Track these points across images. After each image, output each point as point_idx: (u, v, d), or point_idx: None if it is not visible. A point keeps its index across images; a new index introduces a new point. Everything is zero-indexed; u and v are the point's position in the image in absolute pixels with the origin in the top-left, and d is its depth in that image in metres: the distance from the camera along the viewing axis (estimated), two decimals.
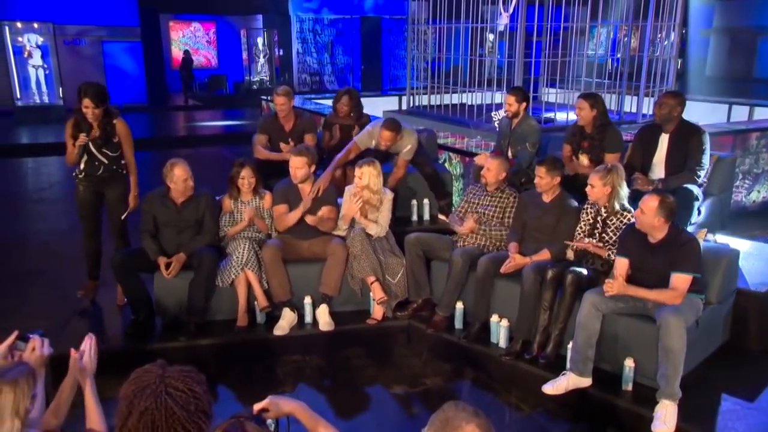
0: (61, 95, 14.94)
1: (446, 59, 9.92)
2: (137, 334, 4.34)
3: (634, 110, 9.13)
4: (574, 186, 4.51)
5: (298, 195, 4.73)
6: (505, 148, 5.43)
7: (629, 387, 3.67)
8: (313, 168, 4.73)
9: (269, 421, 1.96)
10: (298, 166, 4.64)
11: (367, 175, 4.69)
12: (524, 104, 5.33)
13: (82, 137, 4.47)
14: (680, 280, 3.53)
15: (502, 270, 4.22)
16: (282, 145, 5.51)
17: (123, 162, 4.72)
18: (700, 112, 9.46)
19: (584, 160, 4.93)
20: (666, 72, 9.07)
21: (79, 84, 4.56)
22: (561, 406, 3.78)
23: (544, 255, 4.18)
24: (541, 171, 4.24)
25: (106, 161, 4.60)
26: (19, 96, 14.97)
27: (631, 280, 3.71)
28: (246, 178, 4.64)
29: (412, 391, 4.06)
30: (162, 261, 4.34)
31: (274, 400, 1.99)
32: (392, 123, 5.12)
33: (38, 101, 14.97)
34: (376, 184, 4.73)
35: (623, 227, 3.93)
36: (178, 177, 4.39)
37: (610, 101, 9.20)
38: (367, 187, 4.70)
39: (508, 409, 3.89)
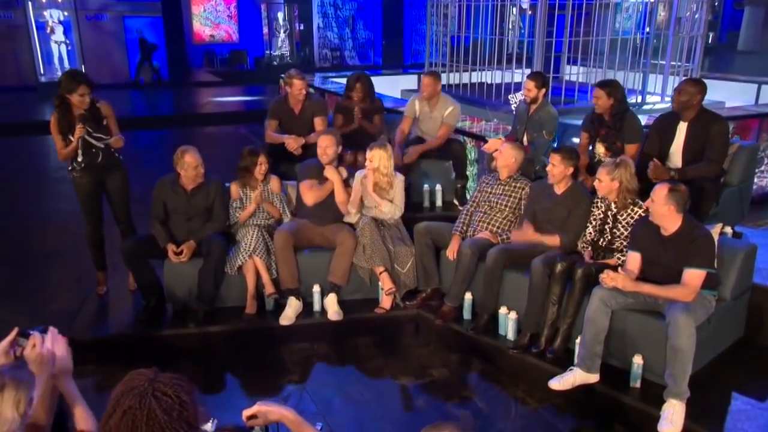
0: (83, 71, 15.03)
1: (466, 37, 9.71)
2: (148, 320, 4.39)
3: (658, 90, 8.90)
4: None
5: (321, 175, 4.73)
6: (521, 134, 5.33)
7: (637, 384, 3.62)
8: (340, 149, 4.75)
9: (256, 429, 1.96)
10: (328, 144, 4.65)
11: (378, 157, 4.64)
12: (543, 90, 5.23)
13: (80, 128, 4.35)
14: (693, 276, 3.44)
15: (513, 237, 4.20)
16: (288, 139, 5.49)
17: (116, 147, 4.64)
18: (727, 92, 9.17)
19: (601, 148, 4.82)
20: (693, 49, 8.79)
21: (66, 73, 4.48)
22: (568, 401, 3.74)
23: (554, 240, 4.12)
24: (555, 159, 4.16)
25: (102, 146, 4.53)
26: (42, 71, 15.13)
27: (643, 274, 3.64)
28: (263, 164, 4.65)
29: (418, 382, 4.06)
30: (171, 248, 4.36)
31: (263, 408, 1.99)
32: (432, 71, 6.01)
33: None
34: (386, 167, 4.68)
35: (634, 222, 3.84)
36: (189, 164, 4.39)
37: (634, 80, 8.97)
38: (377, 170, 4.66)
39: (514, 402, 3.86)
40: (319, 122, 5.50)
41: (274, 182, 4.78)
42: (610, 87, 4.70)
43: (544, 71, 8.35)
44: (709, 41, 20.55)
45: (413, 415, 3.79)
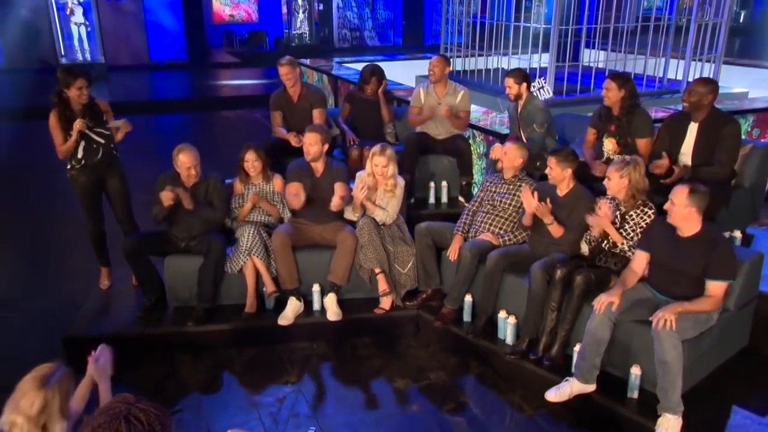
0: (103, 53, 15.13)
1: (482, 18, 9.48)
2: (148, 317, 4.43)
3: (679, 77, 8.62)
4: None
5: (311, 174, 4.70)
6: (518, 133, 5.26)
7: (635, 395, 3.56)
8: (326, 146, 4.67)
9: None
10: (312, 143, 4.58)
11: (380, 162, 4.58)
12: (524, 85, 5.20)
13: (80, 122, 4.32)
14: (717, 287, 3.38)
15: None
16: (290, 135, 5.47)
17: (115, 143, 4.65)
18: (754, 79, 8.83)
19: (609, 144, 4.71)
20: (717, 33, 8.47)
21: (62, 68, 4.47)
22: (564, 409, 3.69)
23: (559, 230, 4.05)
24: (551, 162, 4.08)
25: (103, 141, 4.53)
26: (63, 53, 15.21)
27: (651, 276, 3.60)
28: (251, 161, 4.59)
29: (415, 385, 4.03)
30: (167, 194, 4.26)
31: None
32: (442, 54, 6.17)
33: (81, 59, 15.17)
34: (389, 170, 4.62)
35: (643, 224, 3.75)
36: (182, 164, 4.38)
37: (655, 66, 8.71)
38: (380, 174, 4.59)
39: (510, 409, 3.82)
40: (317, 114, 5.46)
41: (277, 181, 4.74)
42: (622, 79, 4.62)
43: (561, 58, 8.17)
44: (741, 20, 19.91)
45: (408, 420, 3.76)
